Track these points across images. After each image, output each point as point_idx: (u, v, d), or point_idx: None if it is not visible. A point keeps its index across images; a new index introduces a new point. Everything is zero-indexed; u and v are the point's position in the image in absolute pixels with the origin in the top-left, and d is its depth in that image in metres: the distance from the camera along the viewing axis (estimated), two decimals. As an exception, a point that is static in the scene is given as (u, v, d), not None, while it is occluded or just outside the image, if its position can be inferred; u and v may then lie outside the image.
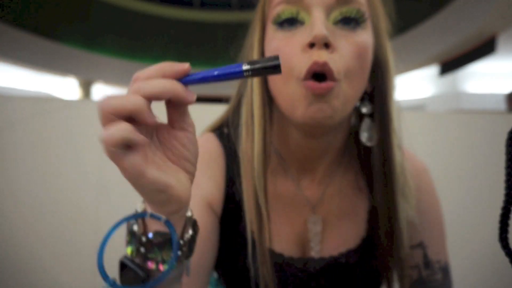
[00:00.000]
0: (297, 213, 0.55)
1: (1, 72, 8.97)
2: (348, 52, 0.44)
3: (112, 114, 0.26)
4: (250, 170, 0.50)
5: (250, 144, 0.50)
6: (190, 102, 0.30)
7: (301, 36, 0.45)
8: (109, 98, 0.27)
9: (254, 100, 0.50)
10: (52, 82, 10.37)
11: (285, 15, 0.45)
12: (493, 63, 7.61)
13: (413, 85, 9.85)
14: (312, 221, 0.54)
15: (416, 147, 0.60)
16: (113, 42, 10.81)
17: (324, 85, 0.43)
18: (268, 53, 0.48)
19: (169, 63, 0.30)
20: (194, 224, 0.35)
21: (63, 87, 10.60)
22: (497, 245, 0.37)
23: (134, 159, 0.27)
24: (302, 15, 0.45)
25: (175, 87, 0.28)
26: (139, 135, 0.27)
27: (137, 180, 0.28)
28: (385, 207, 0.51)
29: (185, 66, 0.30)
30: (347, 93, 0.46)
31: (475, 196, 1.42)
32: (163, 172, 0.29)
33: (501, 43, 6.48)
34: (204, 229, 0.49)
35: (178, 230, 0.33)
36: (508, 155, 0.35)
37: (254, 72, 0.30)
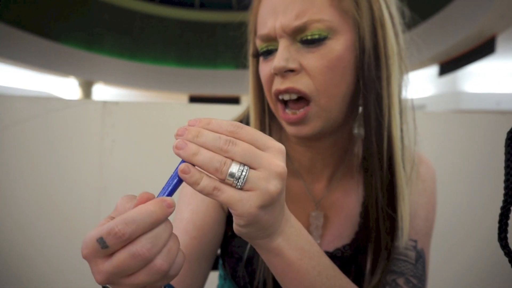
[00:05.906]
0: (302, 209, 0.58)
1: (1, 72, 8.97)
2: (315, 68, 0.47)
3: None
4: None
5: None
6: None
7: (271, 64, 0.50)
8: None
9: (251, 108, 0.56)
10: (52, 82, 10.37)
11: (262, 49, 0.52)
12: (493, 63, 7.62)
13: (413, 85, 9.84)
14: (314, 216, 0.57)
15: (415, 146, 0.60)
16: (113, 42, 10.80)
17: (294, 117, 0.48)
18: (261, 74, 0.54)
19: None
20: None
21: (64, 87, 10.60)
22: (496, 245, 0.37)
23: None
24: (274, 44, 0.50)
25: None
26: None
27: None
28: (374, 201, 0.51)
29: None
30: (327, 106, 0.48)
31: (475, 196, 1.42)
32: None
33: (500, 43, 6.49)
34: (208, 217, 0.54)
35: None
36: (507, 155, 0.35)
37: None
